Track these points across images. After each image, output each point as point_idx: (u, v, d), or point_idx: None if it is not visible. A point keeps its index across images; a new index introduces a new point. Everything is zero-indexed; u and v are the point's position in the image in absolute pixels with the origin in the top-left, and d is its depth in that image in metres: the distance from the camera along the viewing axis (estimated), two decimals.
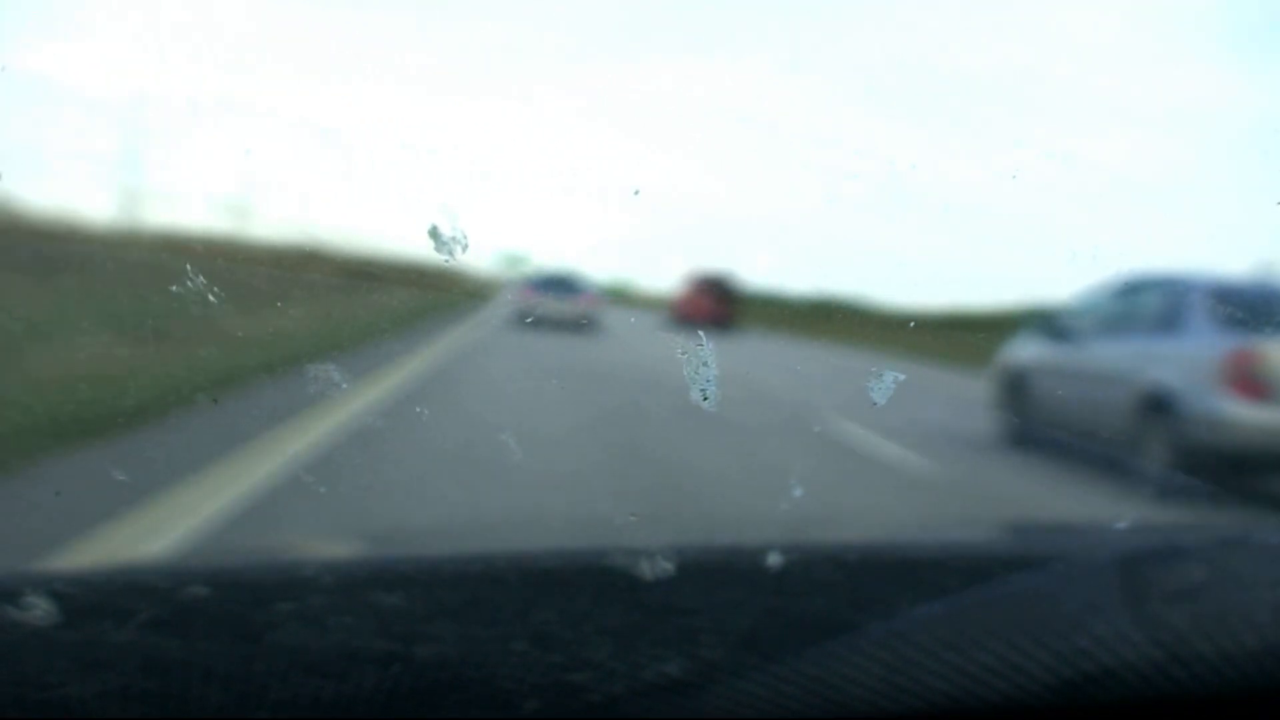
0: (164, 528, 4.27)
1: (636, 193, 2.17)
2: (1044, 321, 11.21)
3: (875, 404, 1.55)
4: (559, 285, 17.82)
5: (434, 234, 1.52)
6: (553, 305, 16.57)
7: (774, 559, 1.25)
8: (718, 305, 24.10)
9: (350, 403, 6.47)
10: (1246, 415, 7.93)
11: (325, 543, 2.19)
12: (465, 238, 1.53)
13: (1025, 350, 11.11)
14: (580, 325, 17.00)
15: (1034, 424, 10.59)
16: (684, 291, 27.06)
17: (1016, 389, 11.01)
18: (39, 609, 1.04)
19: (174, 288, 1.64)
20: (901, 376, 1.57)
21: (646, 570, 1.18)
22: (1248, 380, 8.02)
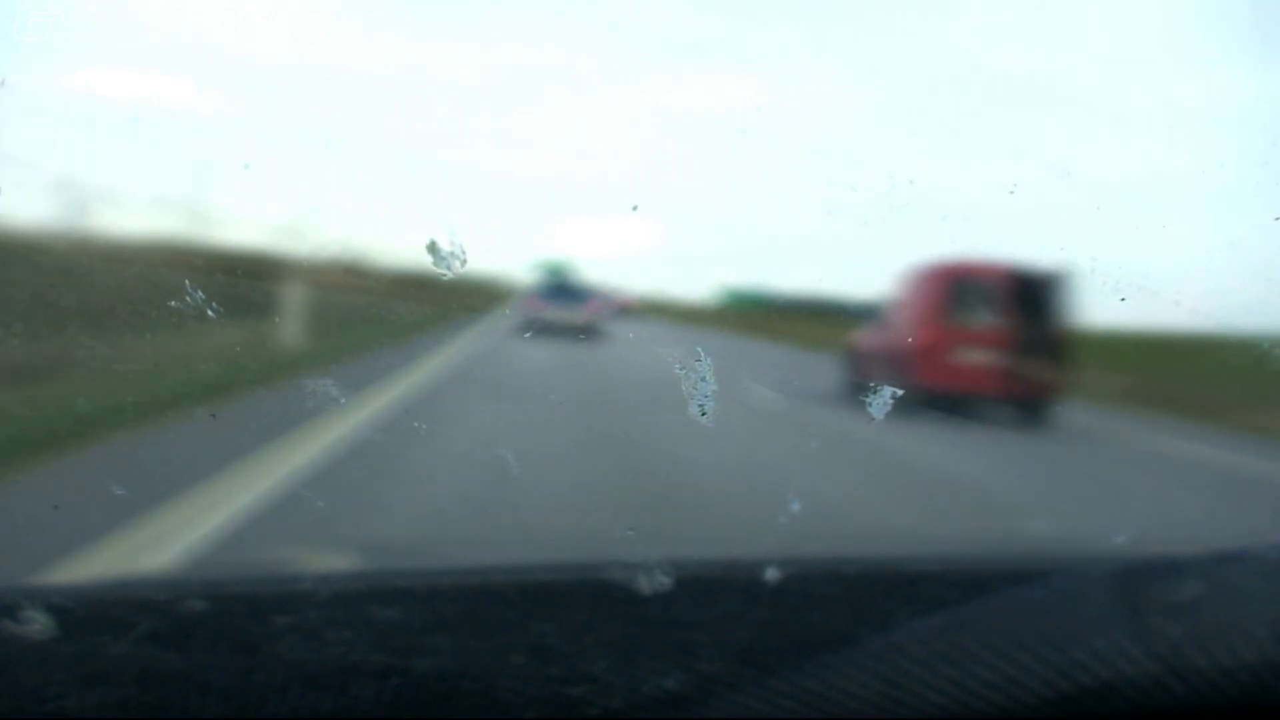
0: (162, 542, 4.26)
1: (635, 208, 2.18)
2: None
3: None
4: (565, 293, 17.10)
5: (432, 249, 1.52)
6: (558, 313, 15.74)
7: (771, 572, 1.25)
8: (1032, 356, 11.38)
9: (361, 407, 6.47)
10: None
11: (323, 556, 2.18)
12: (464, 252, 1.53)
13: None
14: (584, 333, 15.86)
15: None
16: (919, 313, 12.55)
17: None
18: (37, 622, 1.04)
19: (172, 302, 1.64)
20: None
21: (644, 584, 1.18)
22: None
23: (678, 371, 1.51)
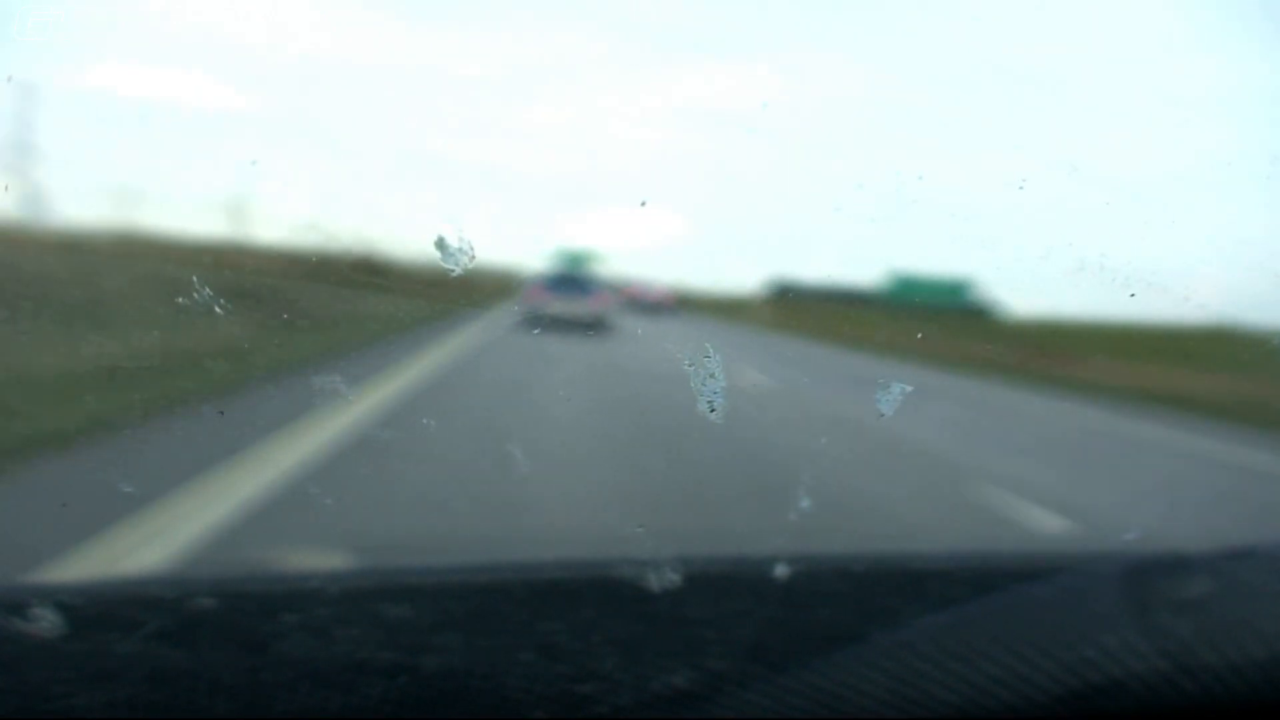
0: (166, 535, 4.26)
1: (644, 203, 2.18)
2: None
3: None
4: (572, 284, 15.75)
5: (440, 245, 1.52)
6: (563, 305, 14.30)
7: (780, 570, 1.25)
8: None
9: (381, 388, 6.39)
10: None
11: (331, 554, 2.19)
12: (472, 248, 1.54)
13: None
14: (591, 328, 15.06)
15: None
16: None
17: None
18: (45, 620, 1.04)
19: (180, 299, 1.64)
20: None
21: (653, 581, 1.18)
22: None
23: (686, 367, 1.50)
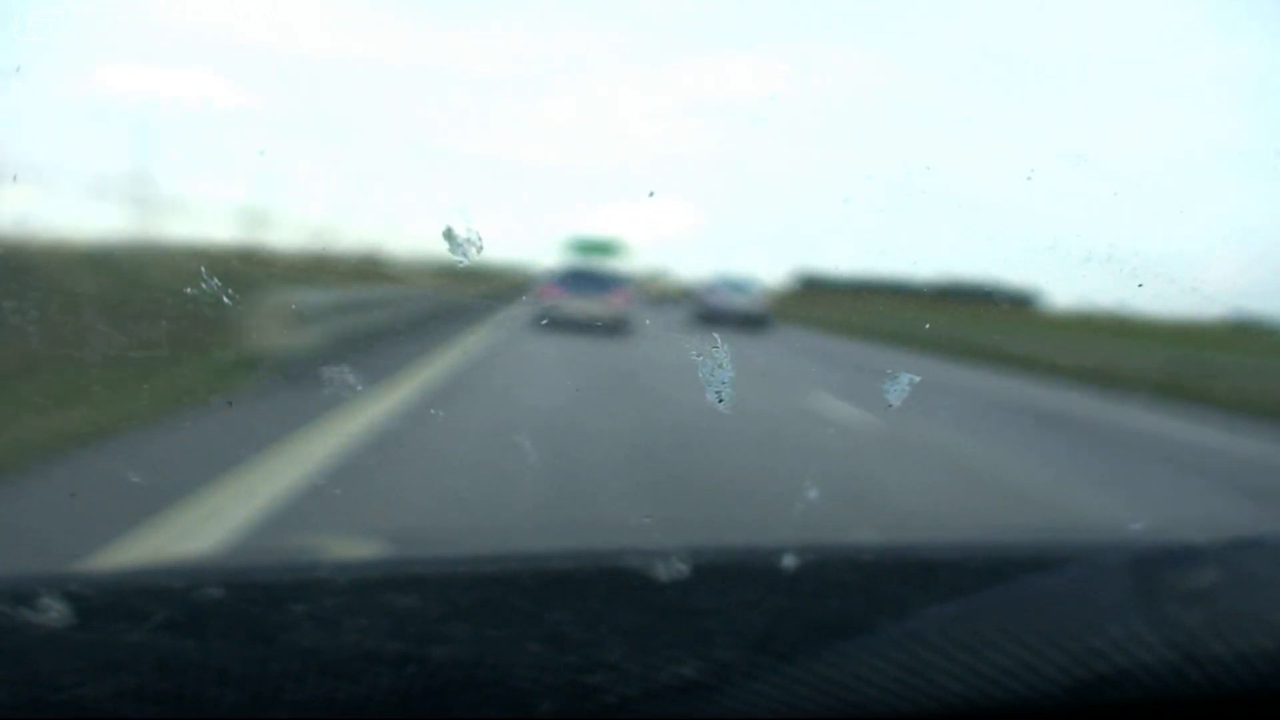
0: (182, 535, 4.27)
1: (651, 194, 2.18)
2: None
3: None
4: (588, 280, 14.77)
5: (449, 235, 1.52)
6: (579, 304, 13.26)
7: (788, 560, 1.25)
8: None
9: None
10: None
11: (339, 545, 2.19)
12: (480, 238, 1.54)
13: None
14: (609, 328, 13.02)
15: None
16: None
17: None
18: (54, 611, 1.04)
19: (189, 290, 1.64)
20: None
21: (661, 572, 1.18)
22: None
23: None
